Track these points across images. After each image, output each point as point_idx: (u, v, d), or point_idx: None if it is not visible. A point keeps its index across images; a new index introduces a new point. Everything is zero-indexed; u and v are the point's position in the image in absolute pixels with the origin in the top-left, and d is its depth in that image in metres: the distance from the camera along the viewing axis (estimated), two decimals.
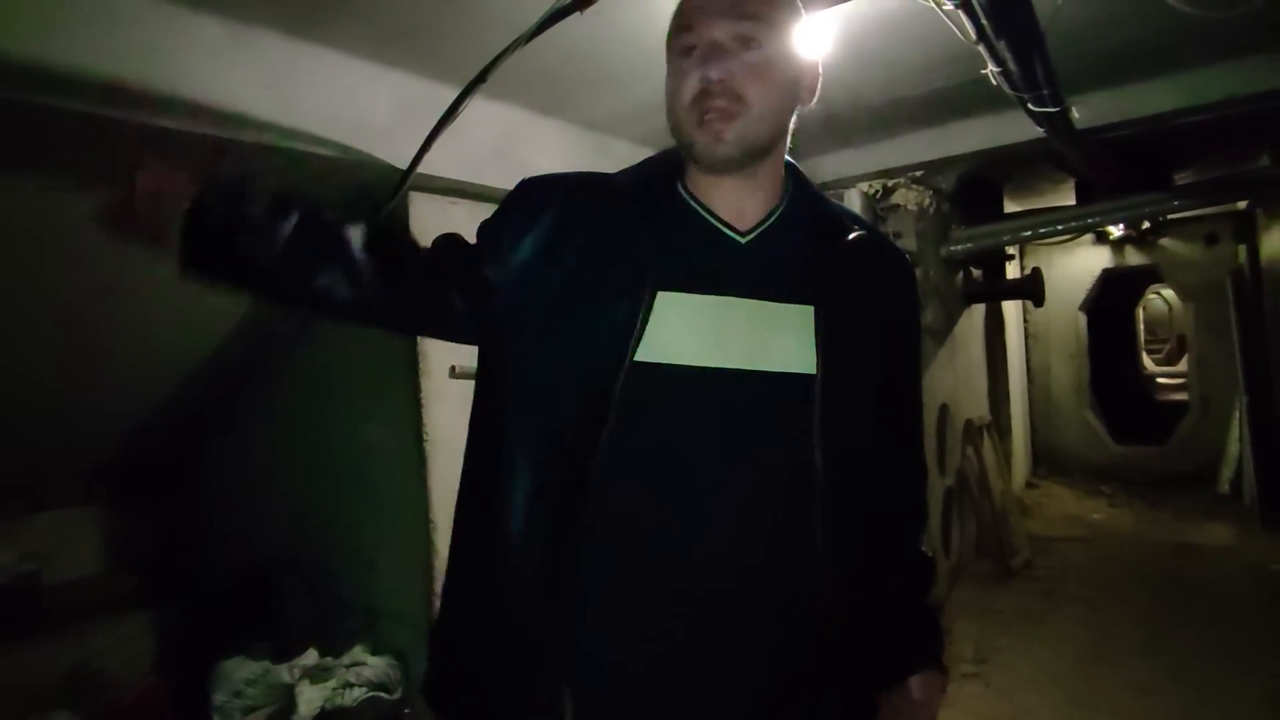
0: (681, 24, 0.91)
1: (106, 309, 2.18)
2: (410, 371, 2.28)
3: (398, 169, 2.03)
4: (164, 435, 2.91)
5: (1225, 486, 5.59)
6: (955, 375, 4.41)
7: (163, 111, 1.60)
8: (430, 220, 2.31)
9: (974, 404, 4.78)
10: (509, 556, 0.90)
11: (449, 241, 1.02)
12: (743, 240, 0.95)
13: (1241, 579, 3.99)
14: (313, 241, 0.94)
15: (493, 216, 0.99)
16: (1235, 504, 5.32)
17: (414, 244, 1.04)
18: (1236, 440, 5.47)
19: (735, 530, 0.89)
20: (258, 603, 2.64)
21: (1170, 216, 5.44)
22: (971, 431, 4.44)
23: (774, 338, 0.92)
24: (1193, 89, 2.57)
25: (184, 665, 2.56)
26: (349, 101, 1.93)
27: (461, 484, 0.99)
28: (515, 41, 1.56)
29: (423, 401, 2.29)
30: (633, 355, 0.87)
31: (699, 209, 0.95)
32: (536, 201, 0.96)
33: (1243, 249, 5.67)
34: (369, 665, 2.42)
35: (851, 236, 0.99)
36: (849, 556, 0.92)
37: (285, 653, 2.48)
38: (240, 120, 1.74)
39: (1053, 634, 3.47)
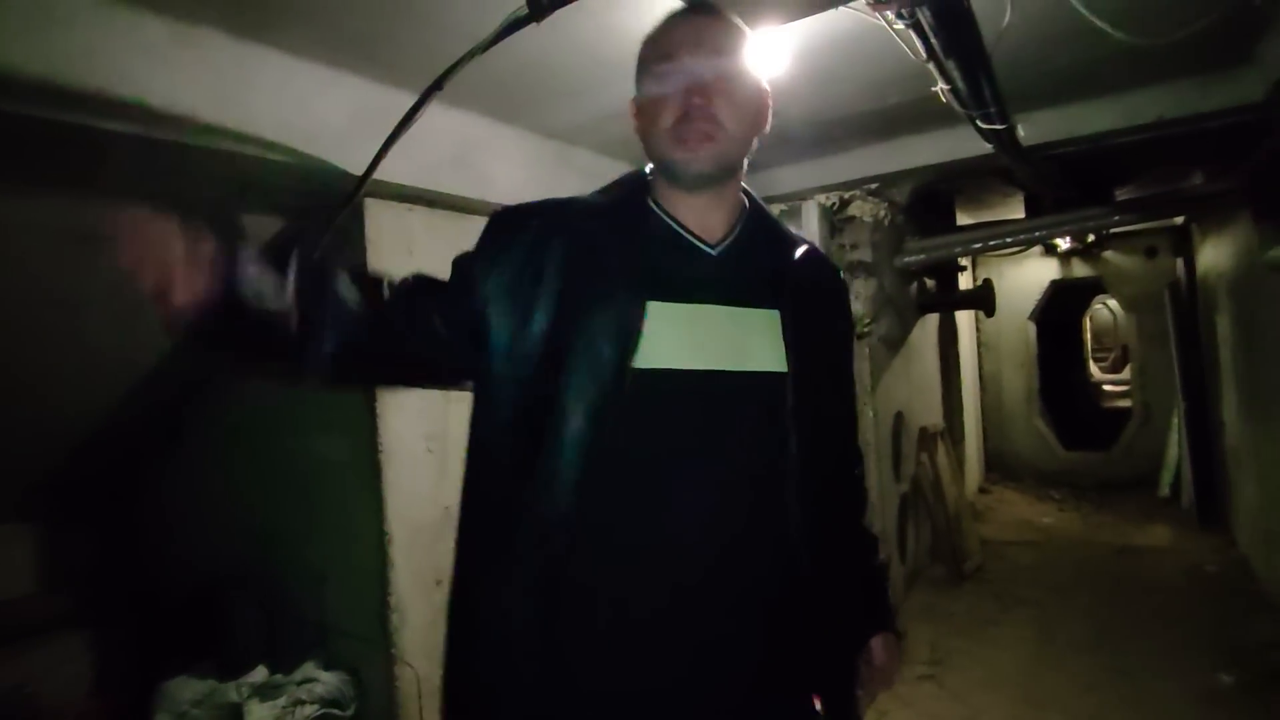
0: (661, 53, 1.00)
1: (41, 318, 2.10)
2: None
3: (353, 175, 2.00)
4: (105, 448, 2.81)
5: (1166, 490, 5.80)
6: (910, 384, 4.51)
7: (102, 114, 1.55)
8: (386, 226, 2.28)
9: (928, 412, 4.88)
10: (522, 564, 0.93)
11: (419, 280, 1.02)
12: (713, 252, 1.03)
13: (1179, 579, 4.15)
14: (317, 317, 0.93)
15: (470, 250, 1.02)
16: (1174, 507, 5.53)
17: (390, 291, 1.02)
18: (1175, 446, 5.69)
19: (725, 518, 0.98)
20: (204, 620, 2.56)
21: (1113, 230, 5.64)
22: (926, 439, 4.53)
23: (748, 340, 1.01)
24: (1129, 110, 2.68)
25: (126, 686, 2.46)
26: (302, 106, 1.89)
27: (465, 497, 1.02)
28: (472, 50, 1.55)
29: (378, 411, 2.25)
30: (633, 363, 0.93)
31: (672, 223, 1.03)
32: (510, 228, 1.00)
33: (1180, 262, 5.91)
34: (321, 681, 2.36)
35: (801, 251, 1.10)
36: (817, 535, 1.03)
37: (233, 671, 2.40)
38: (185, 123, 1.69)
39: (1004, 635, 3.55)
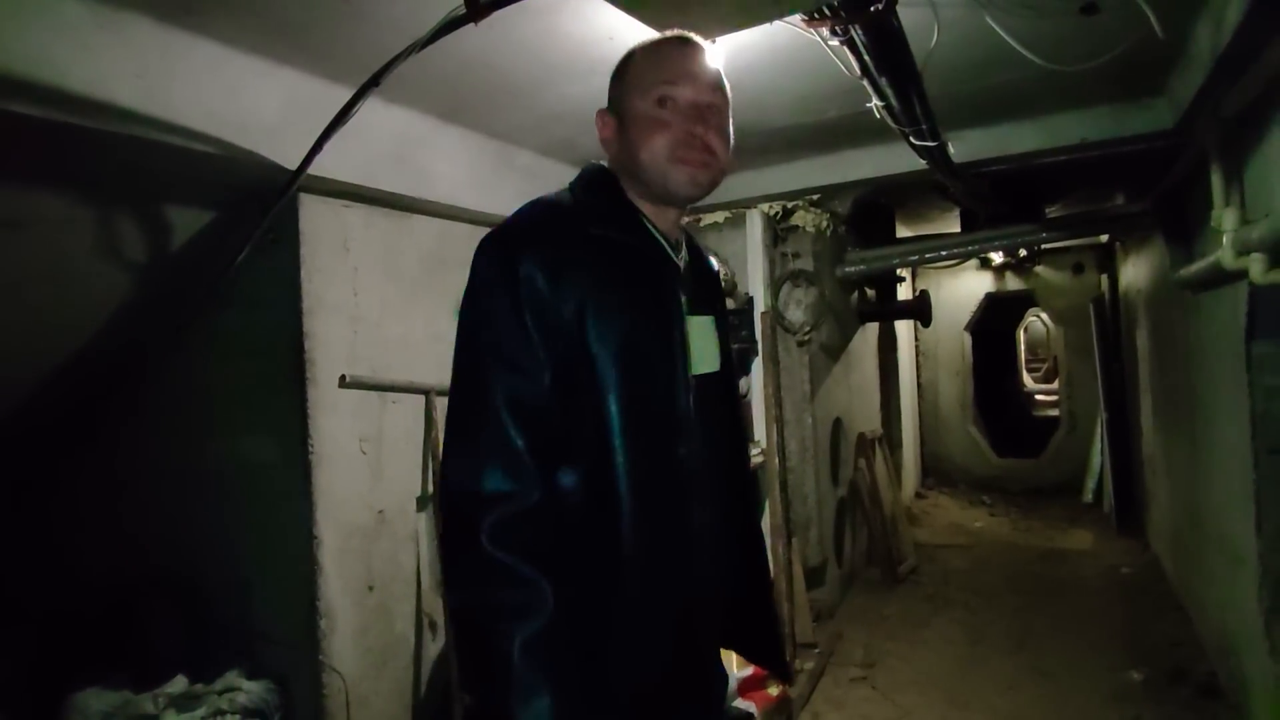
0: (665, 78, 1.04)
1: None
2: (295, 380, 2.19)
3: (286, 169, 1.95)
4: (11, 445, 2.66)
5: (1089, 496, 6.07)
6: (849, 390, 4.61)
7: (12, 95, 1.47)
8: (322, 222, 2.23)
9: (867, 418, 5.01)
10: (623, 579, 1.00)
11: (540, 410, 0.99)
12: (680, 262, 1.11)
13: (1097, 581, 4.35)
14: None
15: (511, 308, 0.96)
16: (1096, 511, 5.79)
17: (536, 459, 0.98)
18: (1098, 454, 5.96)
19: (720, 508, 1.11)
20: (120, 627, 2.44)
21: (1043, 246, 5.89)
22: (864, 444, 4.65)
23: (707, 344, 1.13)
24: (1053, 132, 2.81)
25: (32, 698, 2.33)
26: (231, 96, 1.84)
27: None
28: (409, 48, 1.53)
29: (309, 412, 2.19)
30: (691, 370, 1.06)
31: (659, 237, 1.09)
32: (547, 258, 0.97)
33: (1104, 278, 6.21)
34: (244, 691, 2.28)
35: (710, 257, 1.23)
36: (749, 526, 1.26)
37: (149, 681, 2.30)
38: (105, 109, 1.62)
39: (934, 637, 3.66)
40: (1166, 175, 3.04)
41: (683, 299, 1.07)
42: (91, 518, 2.81)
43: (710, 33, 1.57)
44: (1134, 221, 3.80)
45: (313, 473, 2.20)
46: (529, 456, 0.94)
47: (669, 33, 1.11)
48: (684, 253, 1.13)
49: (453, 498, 0.96)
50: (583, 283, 0.97)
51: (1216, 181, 2.36)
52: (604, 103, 1.11)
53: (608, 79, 1.11)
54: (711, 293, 1.21)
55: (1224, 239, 2.23)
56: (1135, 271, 5.04)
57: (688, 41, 1.08)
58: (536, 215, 1.04)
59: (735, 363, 1.25)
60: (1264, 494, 2.40)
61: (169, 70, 1.71)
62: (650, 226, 1.08)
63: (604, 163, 1.13)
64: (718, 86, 1.07)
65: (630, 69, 1.08)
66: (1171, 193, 3.21)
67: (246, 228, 2.11)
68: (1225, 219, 2.25)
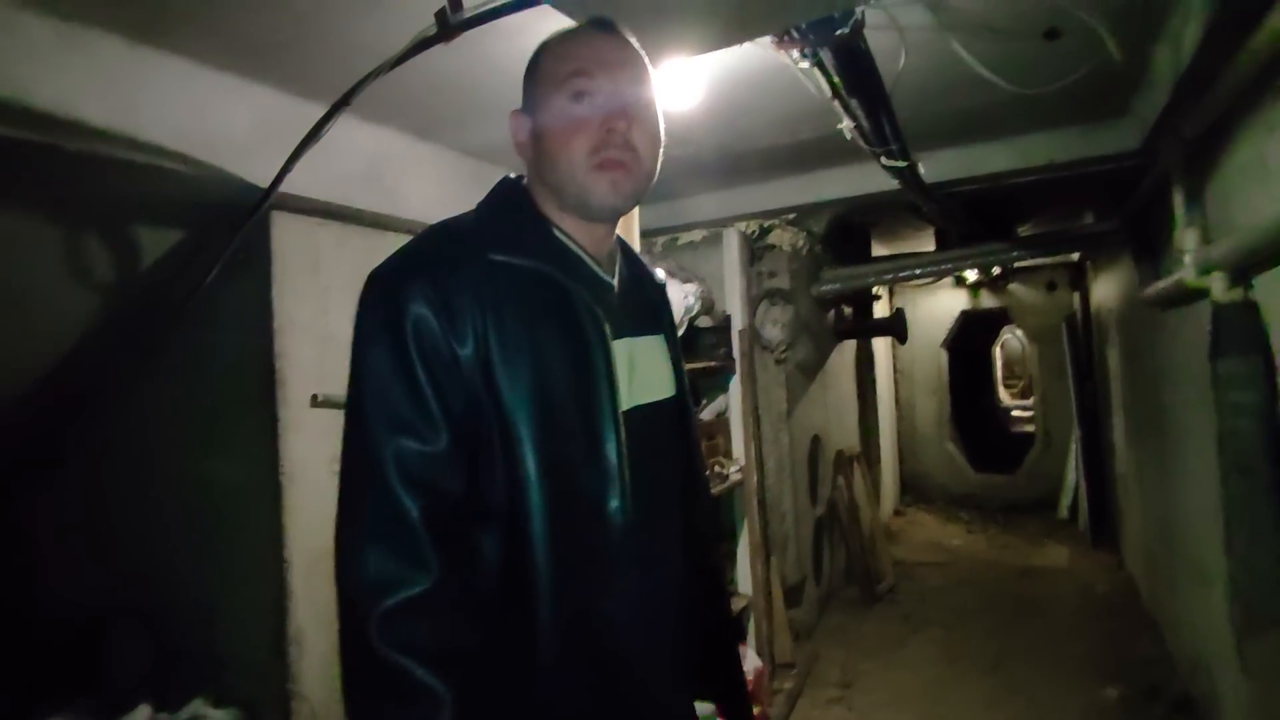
0: (575, 68, 0.91)
1: None
2: (265, 400, 2.15)
3: (258, 187, 1.94)
4: None
5: (1064, 512, 6.12)
6: (827, 408, 4.63)
7: None
8: (293, 241, 2.21)
9: (845, 436, 5.03)
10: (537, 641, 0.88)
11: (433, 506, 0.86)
12: (613, 281, 1.00)
13: (1073, 598, 4.37)
14: None
15: (398, 359, 0.84)
16: (1071, 528, 5.84)
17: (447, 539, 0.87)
18: (1073, 470, 6.02)
19: (671, 543, 1.00)
20: (82, 655, 2.37)
21: (1016, 265, 5.99)
22: (842, 462, 4.66)
23: (654, 368, 1.01)
24: (1022, 152, 2.87)
25: None
26: (200, 114, 1.82)
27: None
28: (380, 67, 1.53)
29: (279, 432, 2.16)
30: (620, 405, 0.92)
31: (582, 255, 0.97)
32: (431, 294, 0.85)
33: (1077, 296, 6.31)
34: (211, 719, 2.22)
35: (656, 273, 1.14)
36: (704, 556, 1.12)
37: (113, 710, 2.23)
38: (71, 127, 1.60)
39: (911, 656, 3.66)
40: (1133, 195, 3.10)
41: (605, 324, 0.93)
42: (56, 543, 2.73)
43: (678, 54, 1.58)
44: (1103, 240, 3.88)
45: (283, 494, 2.16)
46: (426, 533, 0.81)
47: (578, 27, 0.98)
48: (619, 269, 1.02)
49: (340, 587, 0.83)
50: (483, 319, 0.85)
51: (1178, 201, 2.41)
52: None
53: None
54: (656, 310, 1.08)
55: (1186, 258, 2.28)
56: (1106, 289, 5.13)
57: (605, 25, 0.96)
58: (427, 245, 0.92)
59: (688, 386, 1.11)
60: (1232, 512, 2.43)
61: (137, 88, 1.69)
62: (570, 243, 0.96)
63: (514, 174, 1.03)
64: (641, 76, 0.95)
65: (543, 61, 0.95)
66: (1138, 212, 3.28)
67: (216, 247, 2.08)
68: (1187, 238, 2.29)
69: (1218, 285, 2.06)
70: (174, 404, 2.41)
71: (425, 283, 0.84)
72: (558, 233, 0.96)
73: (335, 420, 2.53)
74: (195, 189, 1.93)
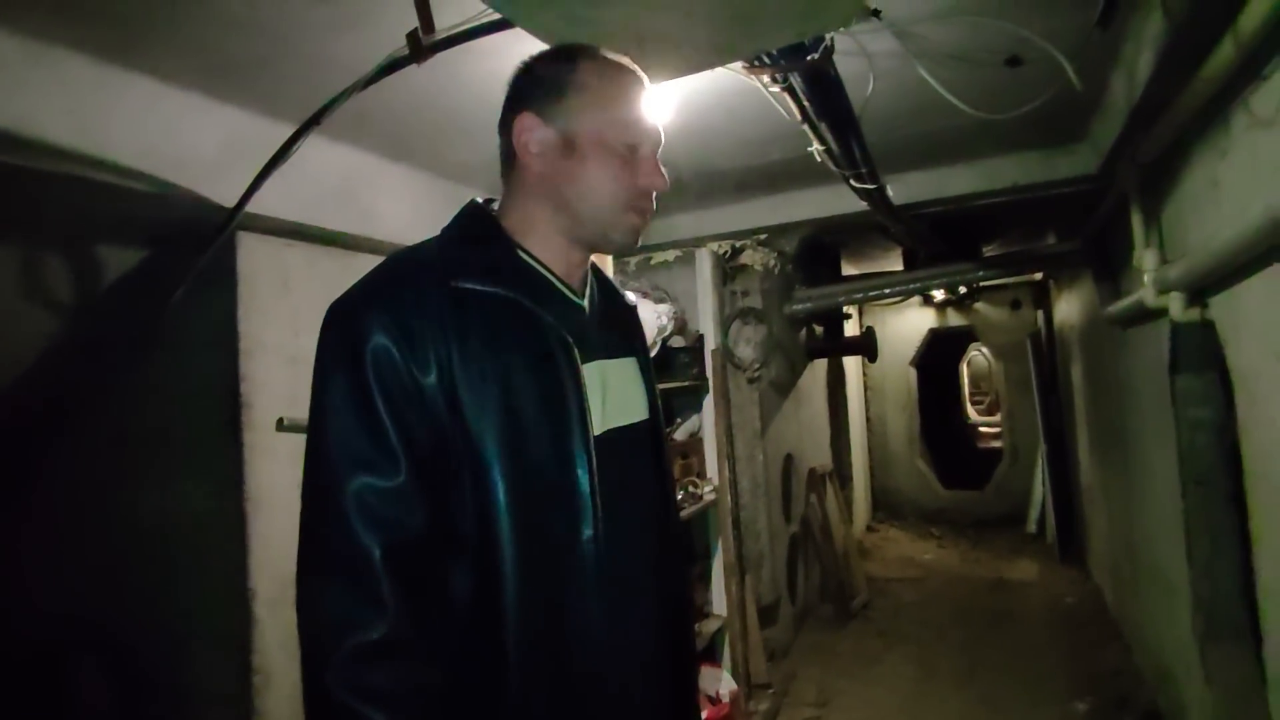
0: (637, 120, 0.93)
1: None
2: (231, 425, 2.10)
3: (224, 207, 1.91)
4: None
5: (1032, 527, 6.22)
6: (800, 426, 4.66)
7: None
8: (261, 261, 2.18)
9: (817, 453, 5.06)
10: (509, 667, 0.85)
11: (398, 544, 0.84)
12: (584, 304, 1.00)
13: (1042, 612, 4.43)
14: None
15: (358, 392, 0.82)
16: (1039, 542, 5.93)
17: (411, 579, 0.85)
18: (1040, 485, 6.13)
19: (648, 572, 0.98)
20: (44, 687, 2.28)
21: (982, 284, 6.12)
22: (815, 480, 4.68)
23: (627, 391, 1.01)
24: (987, 175, 2.94)
25: None
26: (168, 133, 1.79)
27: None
28: (350, 87, 1.52)
29: (245, 457, 2.11)
30: (592, 430, 0.91)
31: (551, 278, 0.96)
32: (395, 323, 0.83)
33: (1040, 314, 6.47)
34: None
35: (627, 295, 1.13)
36: (680, 581, 1.11)
37: None
38: (35, 146, 1.56)
39: (886, 673, 3.67)
40: (1093, 216, 3.20)
41: (575, 348, 0.91)
42: (13, 572, 2.63)
43: (654, 79, 1.60)
44: (1065, 260, 3.98)
45: (248, 521, 2.10)
46: (386, 572, 0.79)
47: (622, 59, 0.97)
48: (591, 291, 1.02)
49: (300, 627, 0.81)
50: (447, 347, 0.83)
51: (1137, 223, 2.49)
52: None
53: None
54: (628, 332, 1.08)
55: (1145, 278, 2.34)
56: (1068, 308, 5.26)
57: (642, 80, 0.97)
58: (387, 273, 0.89)
59: (661, 408, 1.10)
60: (1192, 524, 2.48)
61: (103, 107, 1.66)
62: (538, 267, 0.95)
63: (481, 197, 1.01)
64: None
65: (589, 88, 0.92)
66: (1098, 233, 3.38)
67: (182, 268, 2.04)
68: (1146, 259, 2.37)
69: (1176, 305, 2.12)
70: (137, 428, 2.35)
71: (385, 312, 0.83)
72: (524, 256, 0.95)
73: (302, 444, 2.48)
74: (161, 209, 1.90)
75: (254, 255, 2.16)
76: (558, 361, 0.90)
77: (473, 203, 1.00)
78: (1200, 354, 2.35)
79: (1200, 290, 2.06)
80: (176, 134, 1.83)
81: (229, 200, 1.87)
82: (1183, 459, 2.50)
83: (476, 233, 0.96)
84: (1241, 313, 1.82)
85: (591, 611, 0.88)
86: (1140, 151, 2.24)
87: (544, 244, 0.96)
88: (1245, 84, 1.58)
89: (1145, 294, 2.35)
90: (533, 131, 0.92)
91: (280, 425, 2.16)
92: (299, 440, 2.43)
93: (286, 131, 1.74)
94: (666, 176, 0.96)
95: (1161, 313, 2.31)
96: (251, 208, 1.87)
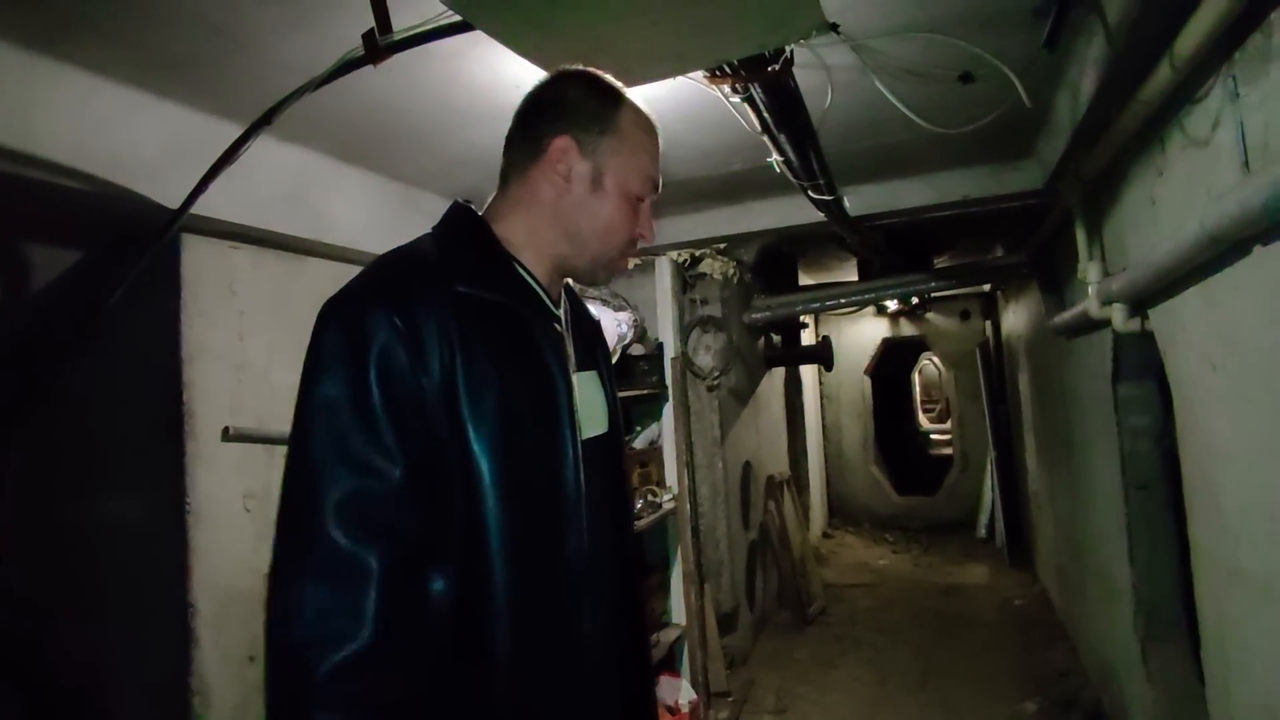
0: (654, 175, 1.00)
1: None
2: (172, 432, 2.02)
3: (167, 208, 1.83)
4: None
5: (982, 531, 6.38)
6: (758, 434, 4.70)
7: None
8: (206, 264, 2.10)
9: (775, 461, 5.10)
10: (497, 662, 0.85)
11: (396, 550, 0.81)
12: (562, 317, 1.02)
13: (993, 614, 4.54)
14: None
15: (359, 390, 0.79)
16: (989, 546, 6.08)
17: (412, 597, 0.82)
18: (989, 490, 6.29)
19: (612, 581, 0.99)
20: None
21: (933, 295, 6.27)
22: (773, 487, 4.72)
23: (594, 403, 1.03)
24: (940, 188, 3.01)
25: None
26: (103, 129, 1.71)
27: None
28: (303, 87, 1.48)
29: (187, 466, 2.02)
30: (580, 434, 0.94)
31: (539, 290, 0.98)
32: (402, 320, 0.82)
33: (988, 324, 6.66)
34: None
35: (591, 307, 1.17)
36: (639, 583, 1.12)
37: None
38: None
39: (843, 678, 3.71)
40: (1040, 230, 3.30)
41: (569, 358, 0.96)
42: None
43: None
44: (1012, 271, 4.11)
45: (189, 533, 2.02)
46: (377, 580, 0.76)
47: (651, 114, 1.02)
48: (564, 305, 1.04)
49: (277, 641, 0.76)
50: (450, 352, 0.82)
51: (1081, 237, 2.57)
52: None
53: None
54: (593, 346, 1.10)
55: (1089, 290, 2.42)
56: (1016, 318, 5.42)
57: (658, 137, 1.03)
58: (392, 271, 0.88)
59: (621, 421, 1.11)
60: (1134, 527, 2.57)
61: (30, 99, 1.57)
62: (530, 279, 0.96)
63: (463, 201, 1.00)
64: None
65: (625, 134, 0.96)
66: (1044, 246, 3.49)
67: (120, 270, 1.95)
68: (1089, 272, 2.45)
69: (1118, 316, 2.19)
70: (69, 436, 2.23)
71: (392, 311, 0.81)
72: (520, 268, 0.96)
73: (250, 454, 2.39)
74: (97, 208, 1.81)
75: (199, 258, 2.08)
76: (553, 371, 0.93)
77: (461, 206, 1.00)
78: (1141, 363, 2.44)
79: (1141, 302, 2.13)
80: (112, 130, 1.75)
81: (173, 201, 1.80)
82: (1124, 464, 2.59)
83: (473, 239, 0.96)
84: (1178, 324, 1.89)
85: (572, 616, 0.90)
86: (1084, 168, 2.32)
87: (537, 259, 0.98)
88: (1180, 106, 1.65)
89: (1089, 305, 2.43)
90: (570, 157, 0.95)
91: (226, 435, 2.08)
92: (244, 450, 2.34)
93: (234, 131, 1.68)
94: (649, 235, 1.02)
95: (1104, 323, 2.39)
96: (198, 209, 1.80)
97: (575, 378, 0.97)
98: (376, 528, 0.77)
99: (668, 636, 3.20)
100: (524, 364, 0.90)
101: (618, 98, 0.99)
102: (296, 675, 0.74)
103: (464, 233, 0.96)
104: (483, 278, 0.90)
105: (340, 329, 0.82)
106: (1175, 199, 1.80)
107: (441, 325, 0.83)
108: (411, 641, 0.79)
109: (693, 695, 3.08)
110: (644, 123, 1.00)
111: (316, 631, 0.74)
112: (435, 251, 0.92)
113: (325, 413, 0.79)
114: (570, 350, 0.99)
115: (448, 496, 0.82)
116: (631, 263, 3.71)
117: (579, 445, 0.92)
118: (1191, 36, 1.34)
